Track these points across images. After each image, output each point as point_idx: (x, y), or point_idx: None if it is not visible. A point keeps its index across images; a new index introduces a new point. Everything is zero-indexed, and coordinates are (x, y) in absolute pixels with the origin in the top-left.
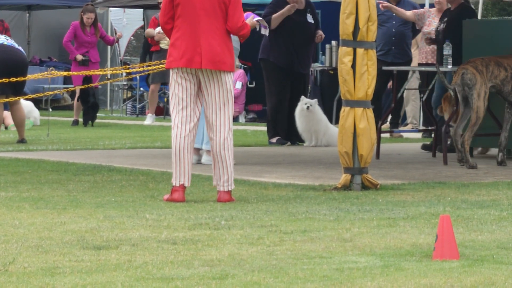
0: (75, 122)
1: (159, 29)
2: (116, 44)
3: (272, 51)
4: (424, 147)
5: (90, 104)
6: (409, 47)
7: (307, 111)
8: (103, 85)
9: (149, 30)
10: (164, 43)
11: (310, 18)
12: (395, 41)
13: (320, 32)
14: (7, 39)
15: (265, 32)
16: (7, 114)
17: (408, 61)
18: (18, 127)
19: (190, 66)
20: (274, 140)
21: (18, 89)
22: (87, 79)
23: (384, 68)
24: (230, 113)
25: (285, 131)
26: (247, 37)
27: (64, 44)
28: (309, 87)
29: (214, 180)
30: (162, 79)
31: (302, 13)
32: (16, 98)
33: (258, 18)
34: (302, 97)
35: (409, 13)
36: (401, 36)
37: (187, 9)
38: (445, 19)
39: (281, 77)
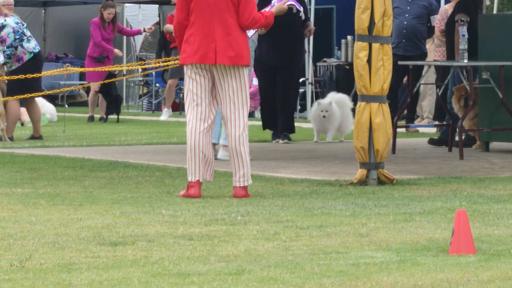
0: (91, 118)
1: None
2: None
3: (258, 46)
4: (431, 142)
5: (113, 98)
6: (422, 42)
7: (326, 118)
8: (119, 81)
9: (168, 26)
10: None
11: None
12: (406, 34)
13: (310, 26)
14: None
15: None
16: (22, 111)
17: (420, 55)
18: (34, 123)
19: (204, 62)
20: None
21: (39, 86)
22: (111, 75)
23: (400, 63)
24: (246, 108)
25: (274, 125)
26: (270, 24)
27: (99, 43)
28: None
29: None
30: (181, 75)
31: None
32: (33, 95)
33: (290, 2)
34: (318, 101)
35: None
36: (412, 29)
37: (201, 5)
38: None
39: (264, 73)
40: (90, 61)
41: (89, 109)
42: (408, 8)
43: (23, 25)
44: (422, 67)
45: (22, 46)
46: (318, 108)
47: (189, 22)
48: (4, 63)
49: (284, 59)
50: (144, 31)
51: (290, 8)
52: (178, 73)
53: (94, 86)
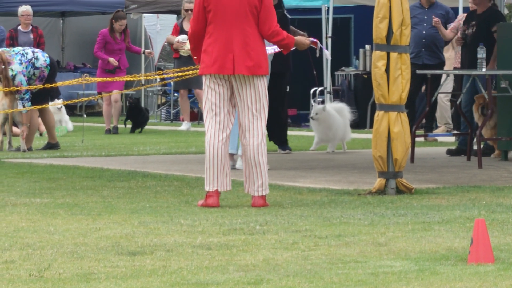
0: (108, 131)
1: (180, 37)
2: (150, 49)
3: None
4: (449, 152)
5: (141, 114)
6: (441, 50)
7: (314, 120)
8: (138, 91)
9: (170, 37)
10: (183, 51)
11: (285, 11)
12: (425, 43)
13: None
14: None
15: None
16: (41, 121)
17: (439, 64)
18: (49, 129)
19: (222, 72)
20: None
21: (53, 96)
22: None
23: (418, 72)
24: (264, 117)
25: (271, 134)
26: (288, 48)
27: (95, 54)
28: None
29: (246, 187)
30: (185, 85)
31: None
32: (52, 104)
33: (317, 42)
34: (314, 105)
35: (447, 33)
36: (431, 38)
37: (219, 15)
38: (473, 22)
39: None
40: (101, 72)
41: (105, 122)
42: (426, 17)
43: (23, 54)
44: (440, 76)
45: (37, 68)
46: (312, 110)
47: (206, 32)
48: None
49: (275, 64)
50: (143, 53)
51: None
52: (181, 84)
53: (107, 97)
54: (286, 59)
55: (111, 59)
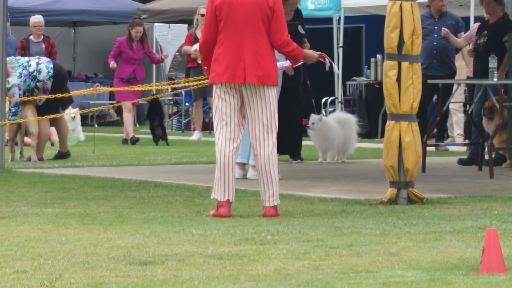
0: (125, 141)
1: (196, 46)
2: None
3: None
4: (461, 162)
5: (158, 122)
6: (452, 60)
7: (311, 130)
8: (149, 100)
9: (186, 48)
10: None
11: (301, 29)
12: (436, 54)
13: (306, 44)
14: (38, 57)
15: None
16: (52, 130)
17: (451, 74)
18: (61, 138)
19: (233, 81)
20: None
21: (64, 104)
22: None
23: (429, 81)
24: (274, 127)
25: (282, 146)
26: (297, 60)
27: (108, 60)
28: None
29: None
30: (204, 94)
31: (290, 25)
32: (64, 114)
33: (325, 56)
34: (311, 115)
35: (460, 41)
36: (442, 49)
37: (230, 24)
38: (484, 32)
39: None
40: (118, 81)
41: (124, 131)
42: (436, 28)
43: (25, 67)
44: (452, 86)
45: (39, 81)
46: (310, 120)
47: (217, 41)
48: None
49: (286, 78)
50: (162, 61)
51: (295, 26)
52: (200, 94)
53: (127, 105)
54: (297, 74)
55: (112, 63)
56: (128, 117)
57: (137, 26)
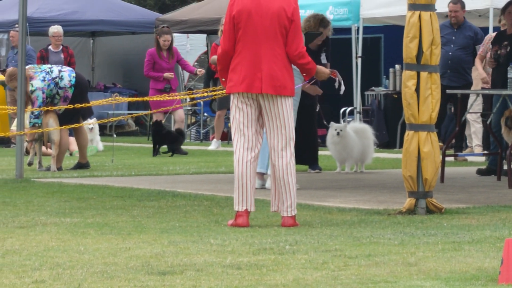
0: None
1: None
2: (180, 69)
3: None
4: (479, 172)
5: (178, 132)
6: (468, 72)
7: (337, 137)
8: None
9: (214, 58)
10: None
11: (324, 59)
12: (451, 65)
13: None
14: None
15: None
16: (71, 140)
17: (465, 85)
18: (81, 149)
19: (250, 91)
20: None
21: (85, 115)
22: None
23: (448, 91)
24: (292, 137)
25: (299, 156)
26: (310, 74)
27: (146, 75)
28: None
29: (273, 205)
30: (229, 105)
31: (315, 54)
32: (82, 124)
33: (336, 73)
34: (332, 123)
35: (480, 69)
36: (457, 60)
37: (248, 34)
38: (505, 42)
39: None
40: (155, 93)
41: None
42: (454, 38)
43: (47, 72)
44: (467, 96)
45: (60, 87)
46: (332, 128)
47: (235, 51)
48: (33, 124)
49: (303, 97)
50: (196, 73)
51: (318, 56)
52: (226, 103)
53: (158, 115)
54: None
55: (166, 74)
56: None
57: (165, 35)
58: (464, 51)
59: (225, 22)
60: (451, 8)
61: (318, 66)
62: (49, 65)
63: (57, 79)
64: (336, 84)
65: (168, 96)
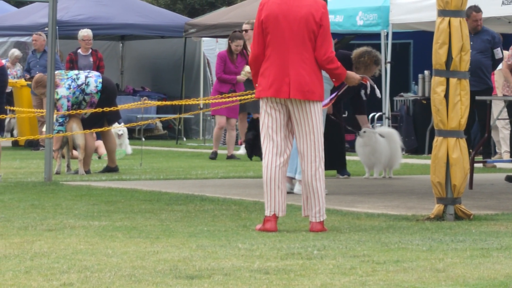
0: (214, 154)
1: (247, 68)
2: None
3: None
4: (508, 179)
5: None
6: (488, 76)
7: (362, 141)
8: (196, 114)
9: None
10: (243, 73)
11: (364, 95)
12: (471, 69)
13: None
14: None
15: (377, 93)
16: (100, 144)
17: (486, 89)
18: (109, 153)
19: (278, 95)
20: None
21: (111, 119)
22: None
23: (477, 98)
24: (321, 143)
25: (328, 161)
26: (340, 79)
27: (219, 78)
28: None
29: (304, 210)
30: (244, 109)
31: (345, 39)
32: (111, 128)
33: (367, 78)
34: (363, 128)
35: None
36: (477, 64)
37: (277, 39)
38: None
39: None
40: (217, 94)
41: (213, 145)
42: (472, 43)
43: (74, 79)
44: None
45: (87, 94)
46: (360, 132)
47: (265, 55)
48: (57, 132)
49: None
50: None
51: (358, 90)
52: (242, 107)
53: (220, 120)
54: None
55: (239, 76)
56: (217, 133)
57: (238, 40)
58: (483, 55)
59: (254, 27)
60: (477, 17)
61: (349, 72)
62: (76, 72)
63: (83, 86)
64: (368, 90)
65: (197, 100)
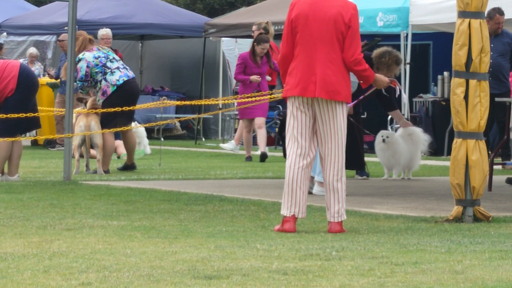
0: (249, 159)
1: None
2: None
3: None
4: (509, 181)
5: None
6: (507, 78)
7: (384, 144)
8: (215, 115)
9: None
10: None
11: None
12: (491, 72)
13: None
14: (126, 69)
15: (404, 98)
16: (119, 143)
17: (506, 92)
18: (128, 152)
19: (305, 94)
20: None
21: (131, 118)
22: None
23: (497, 99)
24: (343, 143)
25: (347, 164)
26: (368, 81)
27: (236, 78)
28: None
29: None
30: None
31: (371, 41)
32: (130, 127)
33: (396, 82)
34: (381, 130)
35: None
36: (497, 66)
37: (305, 38)
38: None
39: None
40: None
41: (245, 150)
42: (492, 45)
43: (107, 58)
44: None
45: (105, 79)
46: (379, 134)
47: (294, 54)
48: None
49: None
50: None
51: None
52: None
53: (247, 124)
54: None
55: (253, 77)
56: (247, 137)
57: (264, 43)
58: (503, 57)
59: (284, 26)
60: (500, 20)
61: (377, 75)
62: (116, 57)
63: (107, 70)
64: (397, 94)
65: (216, 100)
